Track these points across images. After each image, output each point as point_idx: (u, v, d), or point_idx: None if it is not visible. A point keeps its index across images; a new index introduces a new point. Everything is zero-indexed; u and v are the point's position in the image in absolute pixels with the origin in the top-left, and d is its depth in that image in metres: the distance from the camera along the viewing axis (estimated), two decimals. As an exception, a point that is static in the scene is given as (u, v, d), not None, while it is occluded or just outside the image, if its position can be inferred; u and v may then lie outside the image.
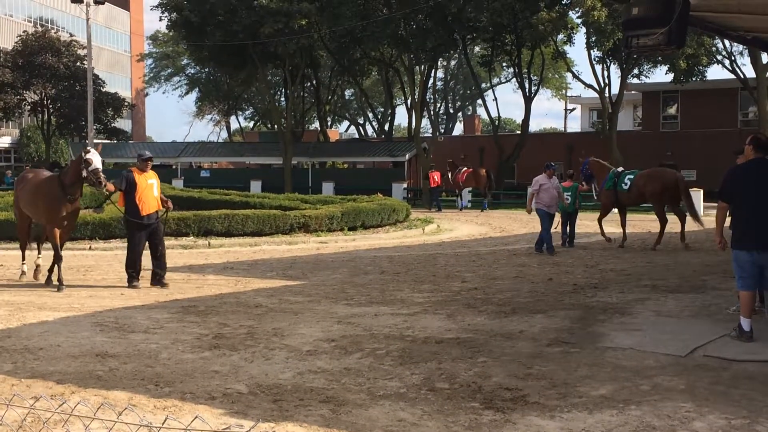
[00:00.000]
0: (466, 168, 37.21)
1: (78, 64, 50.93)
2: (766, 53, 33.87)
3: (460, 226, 26.02)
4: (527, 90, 45.32)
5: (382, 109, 67.86)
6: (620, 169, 19.05)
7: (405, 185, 39.75)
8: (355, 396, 6.04)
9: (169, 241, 18.59)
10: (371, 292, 11.38)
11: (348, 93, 69.58)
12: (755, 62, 39.70)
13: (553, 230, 17.10)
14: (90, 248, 17.77)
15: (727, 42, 40.41)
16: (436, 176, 36.48)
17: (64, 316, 9.29)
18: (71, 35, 54.17)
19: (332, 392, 6.13)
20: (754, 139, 8.03)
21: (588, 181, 19.19)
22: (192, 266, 14.22)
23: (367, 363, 7.06)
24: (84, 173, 11.54)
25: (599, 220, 18.69)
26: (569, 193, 18.09)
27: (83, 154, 11.65)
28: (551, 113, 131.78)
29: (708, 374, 6.66)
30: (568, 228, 18.39)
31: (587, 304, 10.29)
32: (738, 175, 8.06)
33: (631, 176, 18.03)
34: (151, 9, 50.59)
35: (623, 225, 18.60)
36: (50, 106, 52.83)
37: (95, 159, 11.58)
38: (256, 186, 41.52)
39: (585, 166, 19.35)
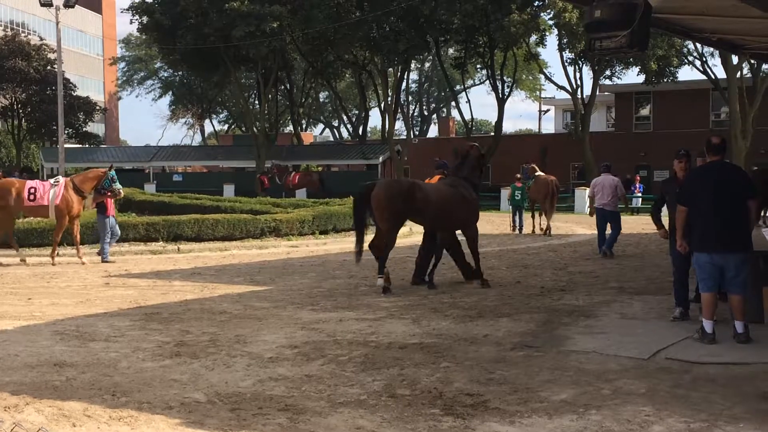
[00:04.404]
0: (295, 171, 42.37)
1: (49, 68, 50.44)
2: (733, 54, 34.14)
3: (432, 229, 25.94)
4: (500, 92, 45.45)
5: (356, 112, 67.77)
6: (537, 173, 23.54)
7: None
8: (315, 404, 5.97)
9: (137, 247, 18.47)
10: (338, 297, 11.31)
11: (322, 96, 69.46)
12: (726, 63, 40.02)
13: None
14: (57, 254, 17.51)
15: (697, 43, 40.76)
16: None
17: (24, 325, 9.14)
18: (41, 39, 53.67)
19: (292, 400, 6.05)
20: (706, 143, 8.09)
21: None
22: (159, 272, 14.06)
23: (328, 370, 7.00)
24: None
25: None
26: (519, 191, 23.42)
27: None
28: (526, 114, 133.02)
29: (669, 377, 6.66)
30: (517, 219, 23.52)
31: (553, 307, 10.29)
32: (695, 179, 8.11)
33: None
34: (122, 12, 50.25)
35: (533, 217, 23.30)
36: (21, 111, 52.31)
37: None
38: (229, 190, 41.21)
39: (525, 171, 24.38)
